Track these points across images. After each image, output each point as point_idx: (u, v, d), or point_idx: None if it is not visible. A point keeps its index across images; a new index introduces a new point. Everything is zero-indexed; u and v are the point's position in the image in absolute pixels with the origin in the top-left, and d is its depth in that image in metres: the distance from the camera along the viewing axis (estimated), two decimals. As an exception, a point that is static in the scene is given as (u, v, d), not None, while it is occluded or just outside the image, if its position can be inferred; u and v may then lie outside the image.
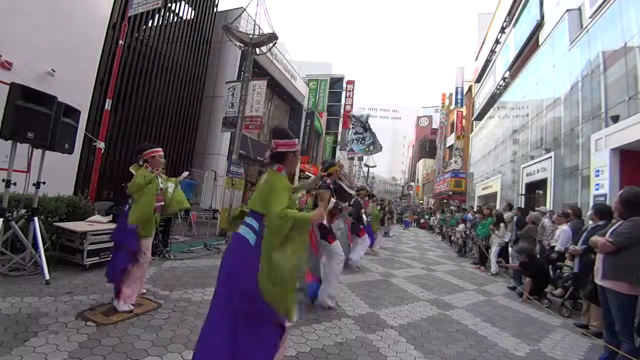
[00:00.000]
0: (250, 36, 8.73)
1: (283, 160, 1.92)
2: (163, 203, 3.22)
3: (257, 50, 8.98)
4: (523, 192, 11.96)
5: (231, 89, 9.47)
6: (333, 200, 3.79)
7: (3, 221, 3.28)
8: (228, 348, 1.58)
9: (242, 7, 9.72)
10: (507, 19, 17.10)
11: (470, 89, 25.96)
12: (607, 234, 2.74)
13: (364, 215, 6.59)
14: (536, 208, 7.83)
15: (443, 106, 34.37)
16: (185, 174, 4.13)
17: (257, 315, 1.65)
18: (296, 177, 17.82)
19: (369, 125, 15.50)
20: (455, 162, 26.31)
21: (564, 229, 5.15)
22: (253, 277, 1.64)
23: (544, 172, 10.28)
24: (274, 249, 1.67)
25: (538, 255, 5.63)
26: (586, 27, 8.81)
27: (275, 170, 1.90)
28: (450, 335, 3.25)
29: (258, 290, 1.62)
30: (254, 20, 8.89)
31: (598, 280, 2.76)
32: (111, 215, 4.63)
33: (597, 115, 7.92)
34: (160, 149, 3.19)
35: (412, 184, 51.06)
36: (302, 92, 17.56)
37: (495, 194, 15.76)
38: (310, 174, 19.65)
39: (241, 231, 1.80)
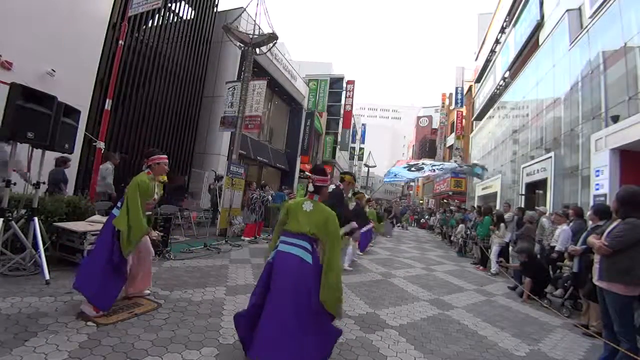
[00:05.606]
0: (250, 36, 8.73)
1: (320, 192, 2.36)
2: (151, 213, 3.16)
3: (257, 50, 8.98)
4: (523, 192, 11.95)
5: (231, 89, 9.47)
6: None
7: (3, 221, 3.27)
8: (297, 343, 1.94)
9: (242, 7, 9.74)
10: (507, 19, 17.08)
11: (470, 89, 25.96)
12: (604, 235, 2.73)
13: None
14: (536, 207, 7.82)
15: (443, 106, 34.43)
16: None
17: (320, 320, 2.10)
18: (296, 177, 17.90)
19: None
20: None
21: (563, 228, 5.15)
22: (316, 290, 2.07)
23: (544, 172, 10.26)
24: (335, 264, 2.12)
25: (538, 256, 5.63)
26: (586, 27, 8.80)
27: (317, 202, 2.31)
28: (450, 335, 3.25)
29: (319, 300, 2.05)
30: (254, 20, 8.90)
31: (595, 280, 2.76)
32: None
33: (597, 115, 7.92)
34: (166, 156, 3.14)
35: (412, 184, 50.97)
36: (302, 92, 17.55)
37: (495, 194, 15.75)
38: (309, 174, 19.64)
39: (293, 251, 2.13)
